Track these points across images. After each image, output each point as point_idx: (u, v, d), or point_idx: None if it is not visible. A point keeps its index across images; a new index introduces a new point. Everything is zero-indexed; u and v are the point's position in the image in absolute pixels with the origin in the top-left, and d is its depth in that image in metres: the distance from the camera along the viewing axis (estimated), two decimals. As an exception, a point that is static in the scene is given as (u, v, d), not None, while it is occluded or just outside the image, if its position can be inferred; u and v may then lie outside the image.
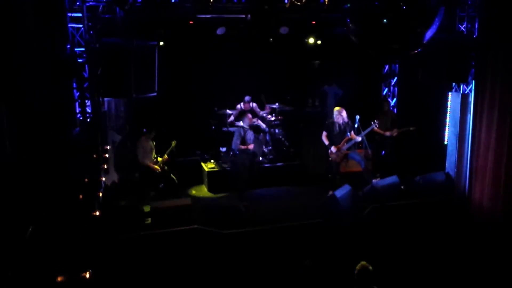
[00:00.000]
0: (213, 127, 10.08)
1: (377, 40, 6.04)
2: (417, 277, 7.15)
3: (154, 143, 8.74)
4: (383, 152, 9.94)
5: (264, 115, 10.48)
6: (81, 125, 6.91)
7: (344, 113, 8.73)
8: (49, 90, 5.62)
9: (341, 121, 8.71)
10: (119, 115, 9.23)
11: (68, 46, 6.65)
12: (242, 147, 9.07)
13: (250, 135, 9.25)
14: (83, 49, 6.90)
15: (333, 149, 8.71)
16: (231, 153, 9.43)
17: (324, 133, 8.82)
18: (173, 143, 8.81)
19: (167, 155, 8.77)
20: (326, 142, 8.79)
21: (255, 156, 9.44)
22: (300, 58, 11.07)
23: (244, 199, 8.53)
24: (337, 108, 8.87)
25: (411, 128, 9.60)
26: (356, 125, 8.66)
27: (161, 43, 8.69)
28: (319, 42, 10.09)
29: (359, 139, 8.66)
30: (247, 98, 10.37)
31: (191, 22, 8.54)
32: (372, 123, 8.83)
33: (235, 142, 9.12)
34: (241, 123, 9.89)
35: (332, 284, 6.67)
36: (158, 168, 8.59)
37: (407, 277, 7.14)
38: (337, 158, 8.78)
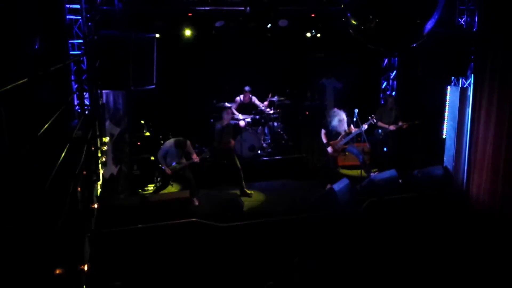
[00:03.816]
0: (212, 120, 10.06)
1: (376, 33, 6.03)
2: (415, 271, 7.17)
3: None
4: (385, 149, 9.88)
5: (263, 108, 10.46)
6: (79, 117, 6.88)
7: (338, 112, 8.72)
8: (47, 81, 5.58)
9: (336, 120, 8.68)
10: (117, 108, 9.19)
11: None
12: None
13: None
14: (81, 41, 6.87)
15: (329, 149, 8.71)
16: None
17: (323, 131, 8.81)
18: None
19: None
20: (325, 140, 8.78)
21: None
22: (299, 51, 11.03)
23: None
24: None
25: (416, 122, 9.55)
26: (354, 119, 8.66)
27: (159, 35, 8.65)
28: (318, 35, 10.05)
29: (351, 136, 8.66)
30: (247, 88, 10.33)
31: (190, 14, 8.51)
32: (370, 117, 8.81)
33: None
34: (239, 116, 9.84)
35: (330, 279, 6.68)
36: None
37: (404, 270, 7.16)
38: (335, 153, 8.78)
